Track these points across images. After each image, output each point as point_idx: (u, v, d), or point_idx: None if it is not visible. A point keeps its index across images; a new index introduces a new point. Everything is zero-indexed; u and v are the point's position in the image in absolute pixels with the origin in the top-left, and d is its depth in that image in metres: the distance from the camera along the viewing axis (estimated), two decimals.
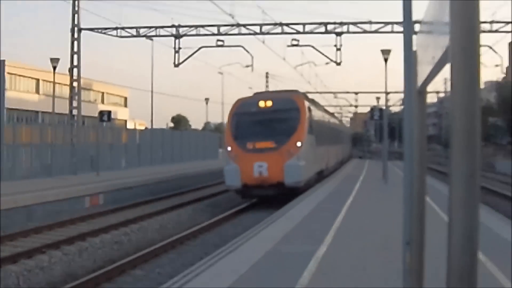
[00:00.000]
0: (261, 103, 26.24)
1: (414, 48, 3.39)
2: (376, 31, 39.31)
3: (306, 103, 26.80)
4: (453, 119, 1.49)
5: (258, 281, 9.11)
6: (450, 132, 1.48)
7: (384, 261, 9.55)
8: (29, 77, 64.98)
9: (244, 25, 38.74)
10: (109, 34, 41.67)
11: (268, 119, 25.47)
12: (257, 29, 39.11)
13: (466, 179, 1.47)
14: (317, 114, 31.68)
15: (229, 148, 25.25)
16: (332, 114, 54.83)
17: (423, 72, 2.53)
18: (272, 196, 24.60)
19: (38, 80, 64.53)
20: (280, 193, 23.85)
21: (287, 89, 32.57)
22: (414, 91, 2.86)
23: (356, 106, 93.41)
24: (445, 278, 1.53)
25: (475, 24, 1.50)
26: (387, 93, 33.62)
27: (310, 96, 41.43)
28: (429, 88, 2.68)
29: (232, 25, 38.57)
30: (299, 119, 25.16)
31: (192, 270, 10.07)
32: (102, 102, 77.03)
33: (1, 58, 58.17)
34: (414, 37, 3.95)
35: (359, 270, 9.56)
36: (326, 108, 52.40)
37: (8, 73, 60.74)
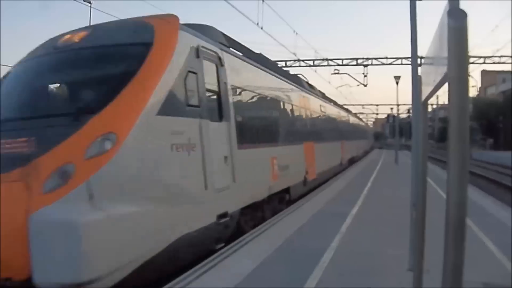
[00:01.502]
0: (67, 38, 6.36)
1: (419, 74, 3.33)
2: (390, 64, 38.86)
3: (188, 36, 6.43)
4: (451, 121, 1.43)
5: (319, 222, 9.32)
6: (448, 130, 1.43)
7: (396, 214, 9.33)
8: None
9: (303, 60, 38.61)
10: None
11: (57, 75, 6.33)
12: (311, 62, 39.00)
13: (460, 162, 1.42)
14: (262, 78, 10.95)
15: None
16: (337, 104, 29.39)
17: (426, 90, 2.45)
18: None
19: None
20: None
21: None
22: (420, 103, 2.78)
23: (377, 114, 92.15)
24: (444, 230, 1.48)
25: (465, 58, 1.45)
26: (398, 105, 33.18)
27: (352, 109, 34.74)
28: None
29: (295, 60, 38.42)
30: (135, 71, 5.29)
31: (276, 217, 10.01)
32: None
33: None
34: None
35: (378, 222, 9.40)
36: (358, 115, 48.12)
37: None
